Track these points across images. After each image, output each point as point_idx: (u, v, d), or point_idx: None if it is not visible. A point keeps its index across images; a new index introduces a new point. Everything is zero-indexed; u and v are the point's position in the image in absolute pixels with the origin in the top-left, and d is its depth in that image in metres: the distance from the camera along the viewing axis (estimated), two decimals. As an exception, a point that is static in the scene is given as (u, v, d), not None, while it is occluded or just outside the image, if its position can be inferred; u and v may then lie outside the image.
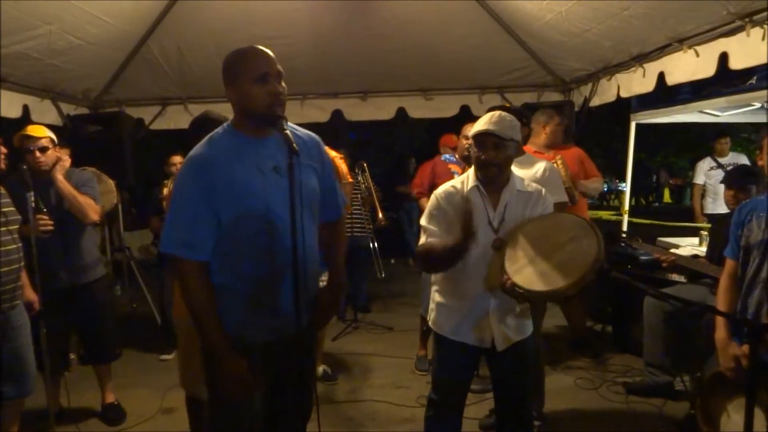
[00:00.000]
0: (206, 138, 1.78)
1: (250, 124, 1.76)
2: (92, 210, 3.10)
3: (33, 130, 3.02)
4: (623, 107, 5.48)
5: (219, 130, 1.80)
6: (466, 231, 1.91)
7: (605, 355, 4.17)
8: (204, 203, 1.67)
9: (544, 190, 2.26)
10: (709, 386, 2.30)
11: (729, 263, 2.36)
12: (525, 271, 1.91)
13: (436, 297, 2.35)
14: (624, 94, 4.40)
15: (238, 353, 1.74)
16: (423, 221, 2.22)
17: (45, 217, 2.85)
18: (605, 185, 23.39)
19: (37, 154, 2.97)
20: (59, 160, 3.07)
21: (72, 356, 3.44)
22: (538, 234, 2.01)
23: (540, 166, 2.84)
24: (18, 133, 3.02)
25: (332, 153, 3.33)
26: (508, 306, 2.17)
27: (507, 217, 2.16)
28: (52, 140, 3.05)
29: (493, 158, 2.10)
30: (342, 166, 3.24)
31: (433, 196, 2.24)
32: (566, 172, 3.41)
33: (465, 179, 2.24)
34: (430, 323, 2.37)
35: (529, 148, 3.75)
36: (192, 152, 1.74)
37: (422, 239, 2.20)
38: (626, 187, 6.14)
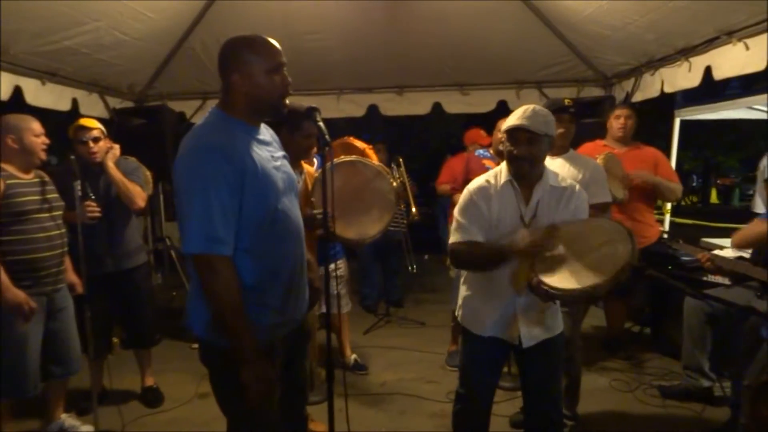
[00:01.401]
0: (205, 126, 1.67)
1: (251, 113, 1.69)
2: (140, 197, 3.23)
3: (86, 122, 3.19)
4: (667, 103, 5.32)
5: (211, 117, 1.69)
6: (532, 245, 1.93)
7: (642, 357, 4.07)
8: (232, 195, 1.57)
9: (578, 186, 2.22)
10: (759, 393, 2.21)
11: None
12: (555, 269, 1.88)
13: (464, 292, 2.36)
14: (668, 90, 4.25)
15: (265, 354, 1.68)
16: (456, 214, 2.22)
17: (93, 204, 3.00)
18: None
19: (90, 144, 3.14)
20: (110, 149, 3.22)
21: (115, 340, 3.58)
22: (573, 236, 1.98)
23: (587, 165, 2.81)
24: (72, 124, 3.19)
25: (361, 144, 3.35)
26: (536, 303, 2.15)
27: (539, 212, 2.13)
28: (102, 131, 3.21)
29: (526, 153, 2.07)
30: (373, 155, 3.30)
31: (465, 191, 2.23)
32: (603, 166, 3.33)
33: (498, 173, 2.22)
34: (458, 318, 2.38)
35: (599, 142, 3.76)
36: (202, 141, 1.61)
37: (454, 235, 2.20)
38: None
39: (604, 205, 2.86)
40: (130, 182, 3.20)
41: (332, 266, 3.46)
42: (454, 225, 2.22)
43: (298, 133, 2.44)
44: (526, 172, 2.12)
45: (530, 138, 2.06)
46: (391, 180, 2.80)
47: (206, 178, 1.55)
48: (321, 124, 1.71)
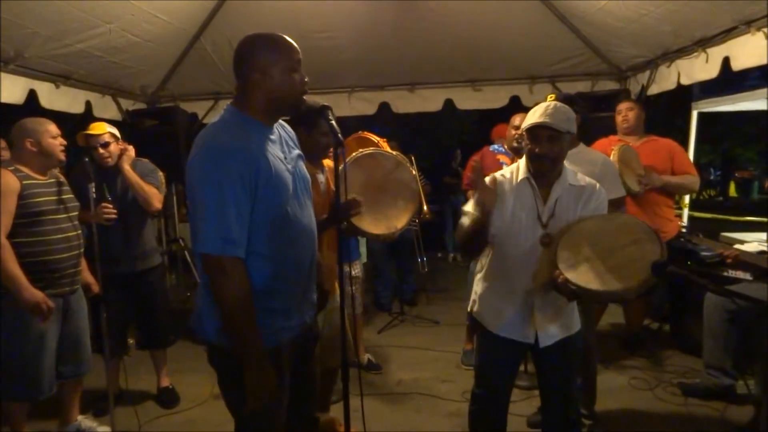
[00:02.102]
0: (220, 124, 1.66)
1: (270, 111, 1.69)
2: (156, 199, 3.26)
3: (94, 128, 3.19)
4: (684, 95, 5.24)
5: (226, 115, 1.68)
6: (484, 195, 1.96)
7: (662, 355, 4.01)
8: (246, 196, 1.57)
9: (598, 184, 2.18)
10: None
11: None
12: (580, 268, 1.84)
13: (479, 288, 2.34)
14: (685, 82, 4.18)
15: (271, 360, 1.67)
16: (467, 207, 2.20)
17: (109, 205, 3.02)
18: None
19: (100, 150, 3.15)
20: (125, 151, 3.23)
21: (130, 341, 3.61)
22: (596, 232, 1.94)
23: (597, 161, 2.76)
24: (80, 132, 3.20)
25: (375, 138, 3.33)
26: (553, 301, 2.12)
27: (557, 211, 2.10)
28: (113, 134, 3.22)
29: (547, 152, 2.04)
30: (387, 149, 3.27)
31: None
32: (618, 158, 3.28)
33: (515, 169, 2.19)
34: (473, 314, 2.36)
35: (613, 137, 3.72)
36: (217, 140, 1.60)
37: (461, 221, 2.19)
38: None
39: (618, 201, 2.80)
40: (147, 184, 3.22)
41: (346, 267, 3.47)
42: (463, 216, 2.20)
43: (316, 131, 2.42)
44: (547, 170, 2.09)
45: (551, 136, 2.03)
46: (411, 168, 2.77)
47: (221, 178, 1.54)
48: (333, 122, 1.70)
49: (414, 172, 2.78)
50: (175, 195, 5.99)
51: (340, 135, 1.65)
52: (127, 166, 3.18)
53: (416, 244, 5.34)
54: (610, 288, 1.76)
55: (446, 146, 11.59)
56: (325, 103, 1.85)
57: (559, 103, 2.10)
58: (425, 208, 4.90)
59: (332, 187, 2.65)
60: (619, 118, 3.83)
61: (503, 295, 2.21)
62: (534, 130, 2.06)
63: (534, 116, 2.06)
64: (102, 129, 3.19)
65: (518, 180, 2.15)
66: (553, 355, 2.19)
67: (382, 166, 2.69)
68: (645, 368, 3.82)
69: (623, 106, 3.85)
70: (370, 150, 2.75)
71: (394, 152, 2.84)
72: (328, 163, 2.71)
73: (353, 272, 3.57)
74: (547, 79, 5.27)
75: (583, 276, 1.81)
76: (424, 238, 5.49)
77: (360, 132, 3.42)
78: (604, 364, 3.77)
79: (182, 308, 5.48)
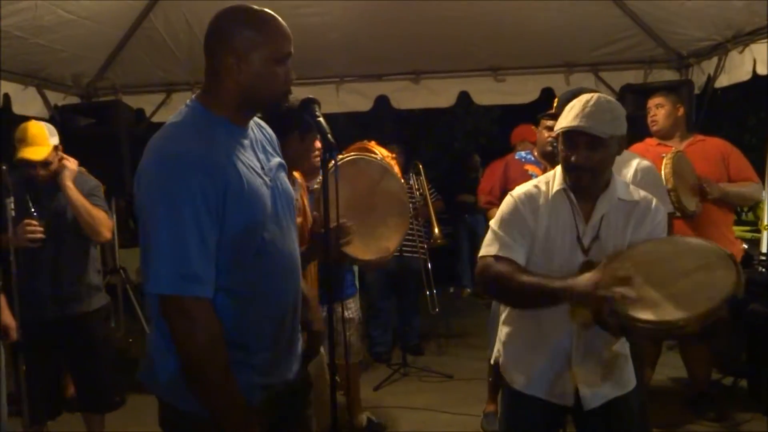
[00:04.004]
0: (179, 125, 1.65)
1: (241, 107, 1.68)
2: (105, 226, 3.21)
3: (30, 153, 3.02)
4: (761, 88, 5.29)
5: (188, 113, 1.67)
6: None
7: (738, 418, 4.00)
8: (211, 219, 1.55)
9: (655, 201, 2.19)
10: None
11: None
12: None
13: (503, 335, 2.34)
14: (762, 71, 4.23)
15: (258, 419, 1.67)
16: (494, 225, 2.19)
17: (34, 222, 2.96)
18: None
19: (41, 172, 3.07)
20: (63, 166, 3.13)
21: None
22: (653, 256, 1.94)
23: (630, 168, 2.77)
24: (16, 158, 3.06)
25: (383, 151, 3.34)
26: (598, 350, 2.12)
27: (603, 233, 2.10)
28: (55, 147, 3.11)
29: (585, 162, 2.04)
30: (396, 167, 3.29)
31: (509, 197, 2.22)
32: (672, 171, 3.28)
33: (551, 179, 2.20)
34: (499, 366, 2.35)
35: (650, 141, 3.74)
36: (175, 146, 1.59)
37: (487, 248, 2.16)
38: (766, 195, 5.89)
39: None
40: (94, 207, 3.15)
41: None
42: (488, 237, 2.19)
43: (310, 136, 2.43)
44: (586, 184, 2.09)
45: (592, 142, 2.02)
46: (397, 175, 2.79)
47: (180, 196, 1.52)
48: (322, 120, 1.71)
49: (401, 179, 2.79)
50: (115, 213, 5.97)
51: (330, 136, 1.65)
52: (70, 184, 3.10)
53: (425, 276, 5.33)
54: (666, 318, 1.73)
55: (460, 151, 11.65)
56: (311, 96, 1.87)
57: (603, 97, 2.08)
58: (435, 230, 4.92)
59: (306, 206, 2.66)
60: (648, 119, 3.87)
61: (533, 343, 2.21)
62: (569, 134, 2.06)
63: (569, 116, 2.05)
64: (42, 153, 3.02)
65: (553, 191, 2.15)
66: (600, 422, 2.17)
67: (367, 175, 2.70)
68: (717, 436, 3.80)
69: (651, 103, 3.93)
70: (351, 156, 2.75)
71: (377, 156, 2.84)
72: (298, 175, 2.71)
73: (347, 313, 3.56)
74: (588, 67, 5.34)
75: (633, 304, 1.79)
76: (433, 267, 5.48)
77: (364, 141, 3.42)
78: (663, 430, 3.76)
79: (124, 358, 5.44)
